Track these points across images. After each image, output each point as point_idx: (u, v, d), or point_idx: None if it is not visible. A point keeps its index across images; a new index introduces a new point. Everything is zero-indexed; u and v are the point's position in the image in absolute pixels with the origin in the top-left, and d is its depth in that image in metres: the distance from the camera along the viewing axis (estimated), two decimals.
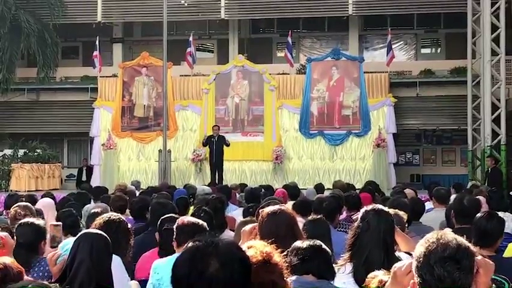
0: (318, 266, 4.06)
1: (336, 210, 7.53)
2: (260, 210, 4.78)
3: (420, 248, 2.77)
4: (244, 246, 3.05)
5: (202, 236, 2.71)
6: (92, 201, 10.76)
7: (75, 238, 4.44)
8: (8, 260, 3.15)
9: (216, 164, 21.76)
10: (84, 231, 4.54)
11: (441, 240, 2.73)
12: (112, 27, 28.91)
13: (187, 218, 5.58)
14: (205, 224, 5.46)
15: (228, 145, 21.60)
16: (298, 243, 4.10)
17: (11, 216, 6.63)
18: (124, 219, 5.50)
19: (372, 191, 11.41)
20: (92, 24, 27.08)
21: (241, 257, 2.58)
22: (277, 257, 3.13)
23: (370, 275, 3.67)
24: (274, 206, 4.79)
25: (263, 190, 12.60)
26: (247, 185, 15.65)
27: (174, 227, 5.40)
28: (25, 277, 3.97)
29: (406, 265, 2.94)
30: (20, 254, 4.82)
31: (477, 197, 8.64)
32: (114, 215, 5.43)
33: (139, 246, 6.71)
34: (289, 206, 7.02)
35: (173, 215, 6.36)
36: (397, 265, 3.05)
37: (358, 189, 15.14)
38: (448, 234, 2.78)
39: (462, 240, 2.76)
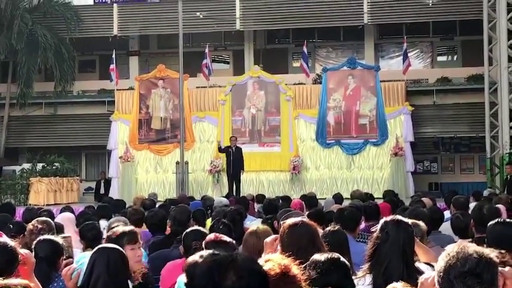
0: (337, 278, 4.03)
1: (358, 221, 7.49)
2: (281, 222, 4.76)
3: (441, 261, 2.73)
4: (261, 260, 3.04)
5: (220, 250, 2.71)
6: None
7: (91, 253, 4.45)
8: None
9: (234, 175, 21.72)
10: (99, 246, 4.53)
11: (461, 254, 2.67)
12: (128, 40, 29.09)
13: (218, 236, 5.42)
14: (233, 242, 5.37)
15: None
16: (316, 257, 4.07)
17: (28, 230, 6.65)
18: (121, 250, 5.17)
19: (395, 202, 11.26)
20: (108, 37, 27.28)
21: (259, 271, 2.58)
22: (296, 269, 3.12)
23: (389, 287, 3.64)
24: (295, 217, 4.76)
25: (280, 201, 12.54)
26: (264, 196, 15.61)
27: (203, 243, 5.27)
28: None
29: (432, 276, 2.91)
30: (41, 269, 4.83)
31: (497, 206, 8.57)
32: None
33: (158, 257, 6.73)
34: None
35: (200, 228, 6.29)
36: (424, 276, 3.03)
37: (377, 198, 15.10)
38: (469, 247, 2.72)
39: (483, 252, 2.70)
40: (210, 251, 2.94)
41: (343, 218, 7.19)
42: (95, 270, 4.21)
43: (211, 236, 5.40)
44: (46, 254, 5.13)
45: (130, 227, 5.49)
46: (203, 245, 5.24)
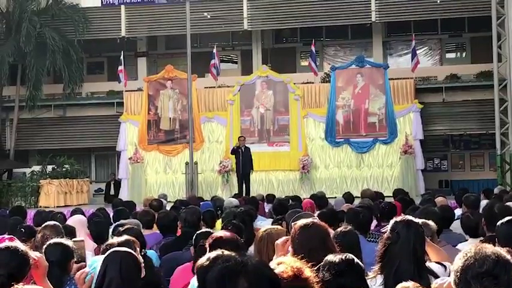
0: (352, 280, 4.01)
1: (371, 222, 7.49)
2: (292, 223, 4.74)
3: (458, 262, 2.73)
4: (274, 263, 3.03)
5: (231, 255, 2.69)
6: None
7: (103, 257, 4.44)
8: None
9: (243, 175, 21.71)
10: (112, 249, 4.52)
11: (478, 255, 2.68)
12: (136, 41, 29.11)
13: (223, 233, 5.30)
14: (241, 239, 5.31)
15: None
16: (330, 258, 4.05)
17: (38, 239, 6.61)
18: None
19: (407, 201, 11.14)
20: (116, 39, 27.31)
21: (270, 276, 2.57)
22: (308, 272, 3.11)
23: (399, 286, 3.63)
24: (306, 218, 4.74)
25: (291, 201, 12.51)
26: (275, 196, 15.59)
27: (209, 241, 5.17)
28: None
29: (447, 282, 2.91)
30: (53, 273, 4.83)
31: (507, 204, 8.54)
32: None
33: (170, 260, 6.74)
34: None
35: (209, 230, 6.30)
36: (438, 281, 3.03)
37: (387, 196, 15.05)
38: (487, 248, 2.73)
39: (501, 253, 2.71)
40: (219, 253, 2.92)
41: (358, 221, 7.18)
42: (107, 274, 4.20)
43: (220, 234, 5.26)
44: (56, 258, 5.13)
45: (125, 237, 5.36)
46: (208, 246, 5.13)
